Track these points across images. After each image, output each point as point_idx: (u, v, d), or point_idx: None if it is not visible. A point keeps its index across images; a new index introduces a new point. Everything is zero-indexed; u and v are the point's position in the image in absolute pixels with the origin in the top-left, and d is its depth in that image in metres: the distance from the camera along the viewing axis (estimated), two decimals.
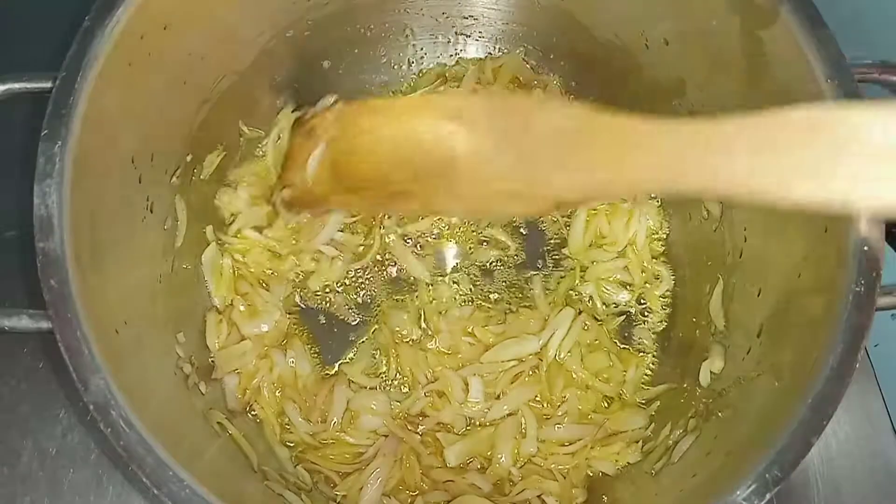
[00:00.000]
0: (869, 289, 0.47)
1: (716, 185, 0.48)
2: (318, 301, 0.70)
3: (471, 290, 0.70)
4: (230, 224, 0.69)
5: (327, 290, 0.70)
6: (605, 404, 0.67)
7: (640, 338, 0.70)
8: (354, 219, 0.71)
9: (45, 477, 0.66)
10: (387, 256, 0.71)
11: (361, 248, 0.71)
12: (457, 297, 0.70)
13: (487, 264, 0.72)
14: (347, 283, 0.70)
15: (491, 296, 0.70)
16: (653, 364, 0.69)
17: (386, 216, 0.71)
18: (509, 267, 0.72)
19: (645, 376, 0.68)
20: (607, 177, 0.53)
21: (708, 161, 0.48)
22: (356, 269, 0.71)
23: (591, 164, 0.54)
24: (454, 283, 0.70)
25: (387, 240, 0.71)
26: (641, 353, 0.69)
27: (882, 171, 0.43)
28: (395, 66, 0.77)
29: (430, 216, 0.70)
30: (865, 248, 0.47)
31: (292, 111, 0.73)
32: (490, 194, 0.58)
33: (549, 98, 0.59)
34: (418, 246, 0.72)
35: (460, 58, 0.78)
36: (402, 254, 0.70)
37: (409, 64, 0.77)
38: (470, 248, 0.72)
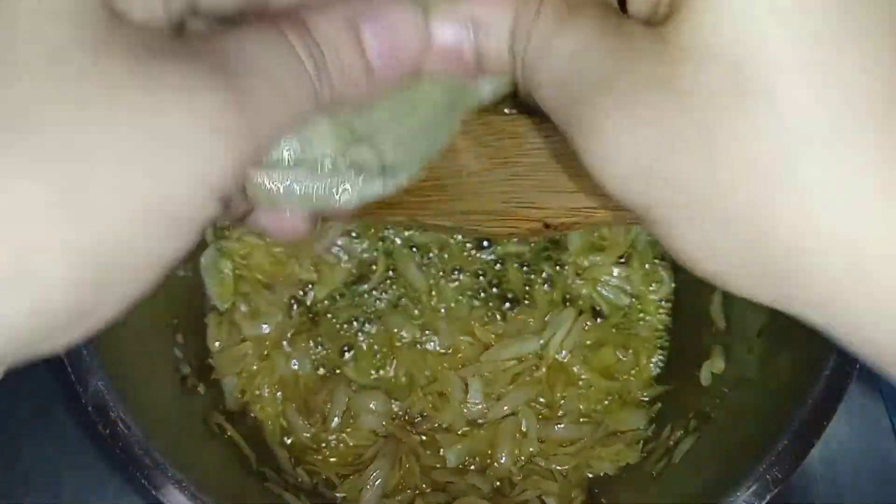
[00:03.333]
0: None
1: None
2: (320, 302, 0.69)
3: (471, 290, 0.70)
4: (228, 231, 0.69)
5: (329, 292, 0.70)
6: (606, 402, 0.67)
7: (639, 338, 0.69)
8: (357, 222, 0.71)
9: (44, 478, 0.66)
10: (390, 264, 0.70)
11: (365, 254, 0.70)
12: (458, 298, 0.70)
13: (491, 265, 0.71)
14: (349, 286, 0.70)
15: (491, 295, 0.70)
16: (661, 362, 0.68)
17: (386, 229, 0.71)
18: (510, 266, 0.71)
19: (657, 367, 0.68)
20: (593, 204, 0.53)
21: None
22: (357, 273, 0.70)
23: (578, 189, 0.54)
24: (456, 284, 0.70)
25: (391, 244, 0.71)
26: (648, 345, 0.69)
27: None
28: None
29: (418, 229, 0.70)
30: None
31: None
32: (479, 212, 0.58)
33: (543, 122, 0.59)
34: (423, 252, 0.71)
35: None
36: (405, 264, 0.70)
37: None
38: (482, 255, 0.71)
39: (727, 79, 0.22)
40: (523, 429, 0.65)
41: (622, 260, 0.71)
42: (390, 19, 0.25)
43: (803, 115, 0.22)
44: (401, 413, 0.66)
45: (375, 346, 0.68)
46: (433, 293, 0.70)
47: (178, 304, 0.62)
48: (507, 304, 0.70)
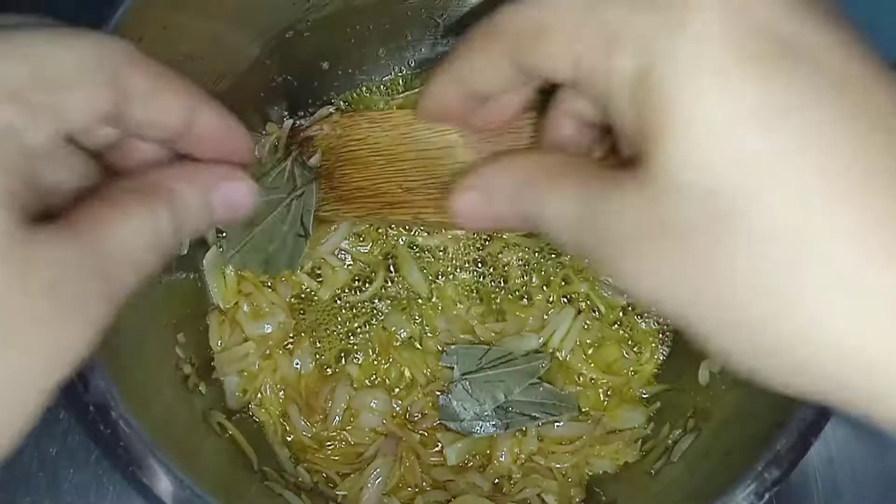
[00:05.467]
0: None
1: None
2: (323, 303, 0.69)
3: (471, 289, 0.70)
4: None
5: (332, 293, 0.70)
6: (605, 400, 0.67)
7: (639, 337, 0.70)
8: (361, 227, 0.71)
9: (45, 478, 0.67)
10: (392, 264, 0.70)
11: (368, 257, 0.70)
12: (458, 297, 0.70)
13: (491, 264, 0.71)
14: (351, 286, 0.70)
15: (490, 294, 0.70)
16: (660, 361, 0.68)
17: (390, 230, 0.71)
18: (510, 265, 0.71)
19: (656, 366, 0.68)
20: None
21: None
22: (359, 276, 0.70)
23: None
24: (456, 283, 0.70)
25: (393, 244, 0.70)
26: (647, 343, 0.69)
27: None
28: (395, 67, 0.77)
29: (421, 227, 0.70)
30: None
31: (288, 117, 0.72)
32: None
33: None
34: (424, 252, 0.71)
35: None
36: (407, 266, 0.70)
37: (409, 65, 0.77)
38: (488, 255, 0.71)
39: (703, 209, 0.24)
40: (523, 427, 0.65)
41: None
42: (229, 187, 0.38)
43: (778, 230, 0.23)
44: (401, 411, 0.66)
45: (376, 346, 0.68)
46: (433, 292, 0.70)
47: (179, 303, 0.63)
48: (507, 303, 0.70)
